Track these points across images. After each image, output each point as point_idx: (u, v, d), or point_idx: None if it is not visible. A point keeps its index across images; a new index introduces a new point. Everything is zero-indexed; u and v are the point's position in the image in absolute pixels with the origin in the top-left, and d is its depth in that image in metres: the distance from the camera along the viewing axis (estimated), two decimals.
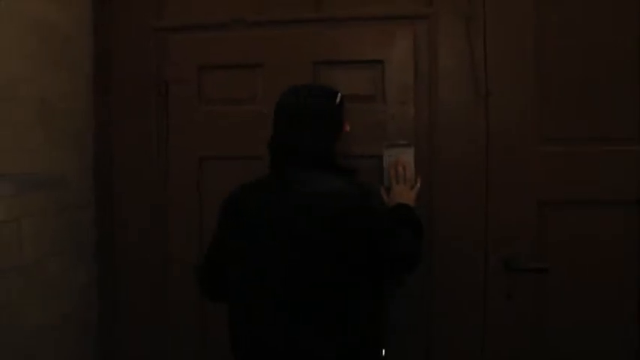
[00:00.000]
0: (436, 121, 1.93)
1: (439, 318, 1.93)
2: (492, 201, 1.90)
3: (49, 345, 1.78)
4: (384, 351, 1.46)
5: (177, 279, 2.06)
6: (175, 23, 2.06)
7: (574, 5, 1.88)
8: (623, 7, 1.86)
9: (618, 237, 1.87)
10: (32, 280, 1.70)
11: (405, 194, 1.70)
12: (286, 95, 1.51)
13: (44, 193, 1.77)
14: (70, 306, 1.91)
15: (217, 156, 2.03)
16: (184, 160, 2.05)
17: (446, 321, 1.93)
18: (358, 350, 1.37)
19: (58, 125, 1.86)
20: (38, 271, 1.73)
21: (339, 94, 1.53)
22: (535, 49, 1.89)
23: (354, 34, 1.96)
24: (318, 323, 1.33)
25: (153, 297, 2.08)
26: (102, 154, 2.08)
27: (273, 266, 1.36)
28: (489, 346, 1.91)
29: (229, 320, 1.47)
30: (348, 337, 1.35)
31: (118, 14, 2.07)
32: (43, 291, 1.76)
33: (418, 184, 1.76)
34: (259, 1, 2.02)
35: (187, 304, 2.05)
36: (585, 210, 1.88)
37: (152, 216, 2.07)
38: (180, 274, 2.05)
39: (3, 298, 1.57)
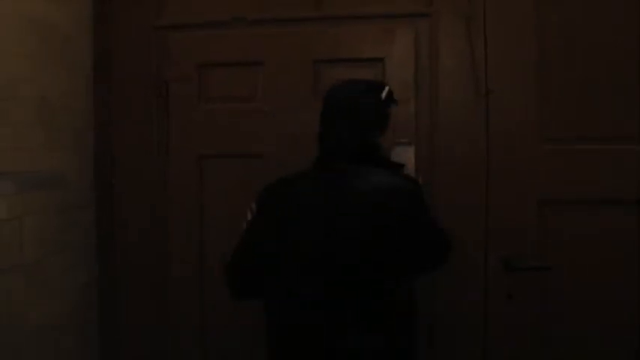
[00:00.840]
0: (436, 119, 1.93)
1: (440, 318, 1.93)
2: (493, 200, 1.91)
3: (49, 344, 1.77)
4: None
5: (177, 279, 2.06)
6: (175, 22, 2.05)
7: (574, 4, 1.88)
8: (623, 6, 1.86)
9: (619, 236, 1.87)
10: (32, 280, 1.69)
11: None
12: (334, 89, 1.50)
13: (45, 192, 1.76)
14: (70, 305, 1.91)
15: (217, 154, 2.03)
16: (184, 159, 2.05)
17: (446, 320, 1.93)
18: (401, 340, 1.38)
19: (58, 125, 1.85)
20: (39, 271, 1.72)
21: (387, 88, 1.52)
22: (535, 48, 1.89)
23: (354, 33, 1.96)
24: (367, 312, 1.33)
25: (153, 297, 2.07)
26: (102, 154, 2.07)
27: (327, 256, 1.34)
28: (490, 346, 1.91)
29: (270, 312, 1.44)
30: (392, 327, 1.36)
31: (118, 13, 2.06)
32: (44, 290, 1.75)
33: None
34: (260, 0, 2.02)
35: (187, 304, 2.05)
36: (586, 209, 1.88)
37: (152, 215, 2.07)
38: (180, 274, 2.05)
39: (3, 298, 1.56)
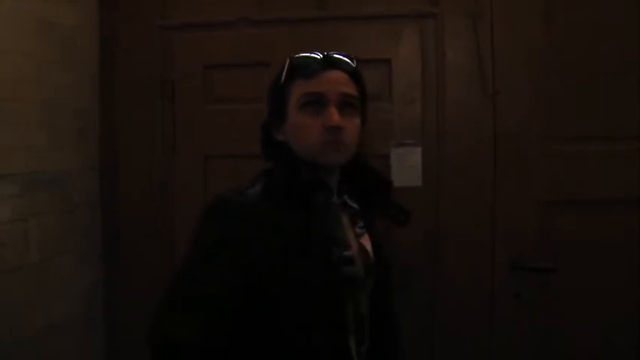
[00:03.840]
0: (443, 120, 1.93)
1: (446, 318, 1.93)
2: (499, 200, 1.90)
3: (54, 345, 1.78)
4: None
5: None
6: (181, 22, 2.05)
7: (582, 4, 1.87)
8: (631, 6, 1.86)
9: (626, 236, 1.86)
10: (38, 280, 1.70)
11: None
12: None
13: (50, 192, 1.77)
14: (75, 306, 1.91)
15: (223, 155, 2.03)
16: (190, 159, 2.05)
17: (453, 321, 1.92)
18: None
19: (63, 125, 1.85)
20: (44, 271, 1.73)
21: (287, 61, 1.24)
22: (542, 48, 1.89)
23: (360, 33, 1.95)
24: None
25: (158, 297, 2.06)
26: (107, 154, 2.07)
27: None
28: (496, 346, 1.90)
29: None
30: None
31: (124, 13, 2.06)
32: (50, 290, 1.76)
33: None
34: (265, 0, 2.01)
35: None
36: (593, 209, 1.88)
37: (158, 216, 2.06)
38: None
39: (10, 298, 1.57)
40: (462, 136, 1.92)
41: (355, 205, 1.24)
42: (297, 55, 1.19)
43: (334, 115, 1.10)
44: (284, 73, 1.19)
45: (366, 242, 1.23)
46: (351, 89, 1.15)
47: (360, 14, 1.96)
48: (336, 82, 1.14)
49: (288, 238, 1.08)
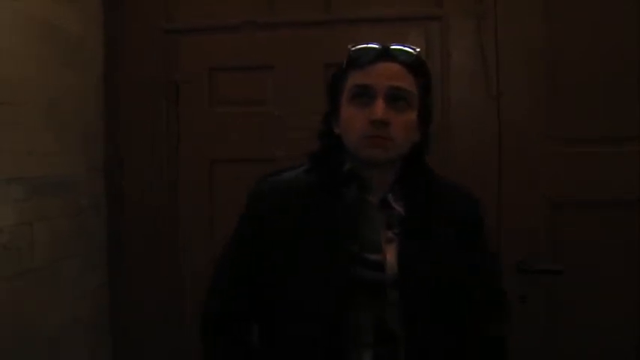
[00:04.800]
0: (448, 121, 1.92)
1: None
2: (505, 202, 1.89)
3: (61, 348, 1.78)
4: None
5: (188, 283, 2.06)
6: (186, 25, 2.06)
7: (585, 4, 1.87)
8: (633, 6, 1.85)
9: (633, 238, 1.86)
10: (44, 284, 1.70)
11: None
12: None
13: (55, 196, 1.77)
14: (82, 308, 1.91)
15: (228, 158, 2.03)
16: (195, 163, 2.05)
17: None
18: None
19: (68, 128, 1.86)
20: (50, 275, 1.73)
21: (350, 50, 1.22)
22: (546, 49, 1.89)
23: (365, 36, 1.92)
24: None
25: (164, 299, 2.07)
26: (112, 157, 2.08)
27: None
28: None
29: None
30: None
31: (129, 16, 2.07)
32: (56, 294, 1.76)
33: None
34: (270, 3, 2.02)
35: (200, 306, 2.04)
36: (598, 211, 1.87)
37: (162, 219, 2.07)
38: (190, 278, 2.05)
39: (15, 301, 1.57)
40: (467, 138, 1.92)
41: (399, 208, 1.14)
42: (355, 47, 1.14)
43: (378, 109, 1.05)
44: (343, 64, 1.15)
45: (390, 250, 1.12)
46: (403, 82, 1.08)
47: (365, 17, 1.96)
48: (387, 75, 1.08)
49: (305, 226, 1.10)
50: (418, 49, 1.13)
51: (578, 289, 1.86)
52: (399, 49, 1.11)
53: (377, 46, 1.11)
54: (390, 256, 1.10)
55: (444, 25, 1.93)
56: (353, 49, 1.13)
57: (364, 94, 1.08)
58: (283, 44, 1.98)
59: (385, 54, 1.09)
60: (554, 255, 1.87)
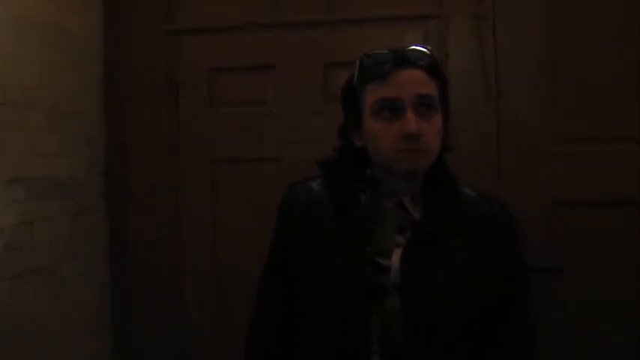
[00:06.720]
0: None
1: None
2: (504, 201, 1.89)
3: (63, 348, 1.78)
4: None
5: (190, 282, 2.06)
6: (187, 26, 2.06)
7: (585, 4, 1.87)
8: (633, 6, 1.85)
9: (632, 237, 1.86)
10: (45, 284, 1.70)
11: None
12: None
13: (57, 197, 1.77)
14: (83, 310, 1.91)
15: (229, 158, 2.04)
16: (196, 163, 2.06)
17: None
18: None
19: (70, 130, 1.86)
20: (52, 275, 1.73)
21: (358, 61, 1.15)
22: (545, 49, 1.89)
23: (365, 35, 1.95)
24: None
25: (166, 299, 2.07)
26: (113, 158, 2.08)
27: None
28: None
29: None
30: None
31: (130, 18, 2.07)
32: (58, 294, 1.76)
33: None
34: (271, 3, 2.02)
35: (202, 306, 2.06)
36: (598, 210, 1.87)
37: (164, 220, 2.07)
38: (193, 278, 2.06)
39: (17, 302, 1.57)
40: (466, 138, 1.90)
41: (415, 213, 1.09)
42: (366, 55, 1.06)
43: (412, 123, 0.99)
44: (355, 75, 1.07)
45: (397, 254, 1.07)
46: (428, 88, 1.03)
47: (364, 17, 1.96)
48: (411, 83, 1.01)
49: (323, 229, 1.11)
50: (429, 47, 1.07)
51: (577, 289, 1.86)
52: (416, 52, 1.04)
53: (391, 52, 1.04)
54: (396, 260, 1.06)
55: (444, 24, 1.93)
56: (366, 57, 1.07)
57: (391, 108, 1.02)
58: (284, 44, 1.98)
59: (404, 60, 1.02)
60: (554, 254, 1.87)
